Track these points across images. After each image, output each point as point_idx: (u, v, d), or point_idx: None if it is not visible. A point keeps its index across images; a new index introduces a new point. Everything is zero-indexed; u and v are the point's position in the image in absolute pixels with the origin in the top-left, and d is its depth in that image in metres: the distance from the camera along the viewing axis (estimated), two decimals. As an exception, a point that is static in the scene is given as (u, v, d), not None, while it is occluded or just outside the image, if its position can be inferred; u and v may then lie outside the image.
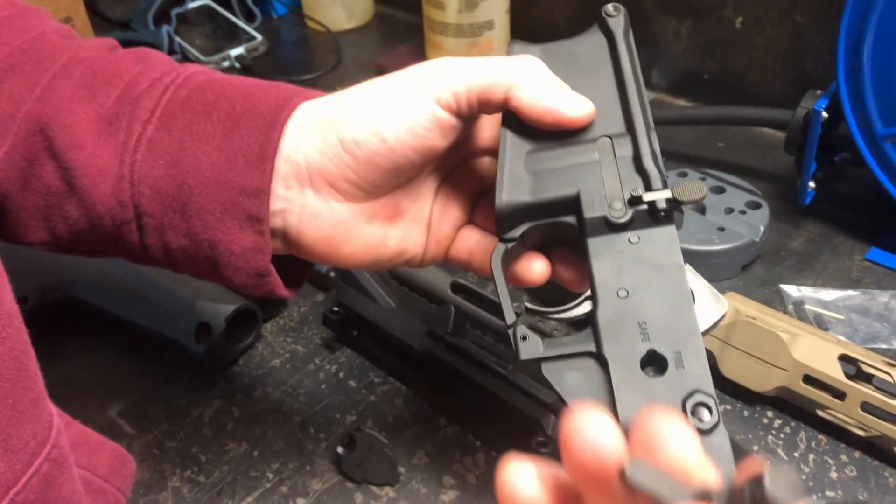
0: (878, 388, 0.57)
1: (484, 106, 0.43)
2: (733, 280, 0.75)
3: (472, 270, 0.49)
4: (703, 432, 0.33)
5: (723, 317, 0.42)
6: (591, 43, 0.46)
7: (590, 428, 0.24)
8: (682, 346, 0.36)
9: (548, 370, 0.38)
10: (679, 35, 0.99)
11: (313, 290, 0.77)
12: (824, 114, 0.73)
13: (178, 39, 1.20)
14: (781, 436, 0.61)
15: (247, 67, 1.17)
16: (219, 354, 0.68)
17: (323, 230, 0.45)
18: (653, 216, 0.40)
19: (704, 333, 0.38)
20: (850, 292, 0.72)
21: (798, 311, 0.70)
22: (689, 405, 0.34)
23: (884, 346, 0.67)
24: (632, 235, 0.40)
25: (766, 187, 0.83)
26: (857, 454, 0.59)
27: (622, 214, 0.40)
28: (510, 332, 0.39)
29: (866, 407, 0.57)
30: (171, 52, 1.19)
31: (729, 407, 0.63)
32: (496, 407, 0.59)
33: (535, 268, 0.44)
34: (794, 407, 0.62)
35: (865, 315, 0.70)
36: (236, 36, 1.25)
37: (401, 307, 0.67)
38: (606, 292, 0.38)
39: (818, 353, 0.59)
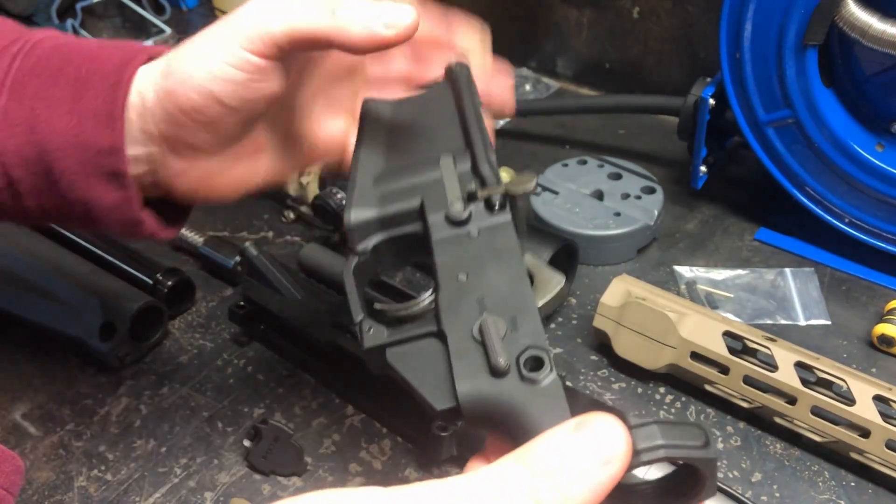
0: (760, 362, 0.61)
1: (307, 50, 0.45)
2: (630, 263, 0.78)
3: None
4: (537, 381, 0.35)
5: (560, 290, 0.43)
6: (438, 91, 0.50)
7: None
8: (517, 312, 0.38)
9: (392, 355, 0.39)
10: (580, 25, 1.02)
11: (221, 284, 0.77)
12: (711, 101, 0.76)
13: (83, 33, 1.18)
14: (673, 410, 0.64)
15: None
16: (124, 353, 0.68)
17: (192, 182, 0.48)
18: (489, 209, 0.42)
19: (543, 306, 0.39)
20: (739, 271, 0.76)
21: (690, 290, 0.73)
22: (522, 359, 0.36)
23: (769, 322, 0.71)
24: (472, 229, 0.42)
25: (662, 172, 0.86)
26: (741, 425, 0.63)
27: (461, 210, 0.42)
28: (357, 327, 0.40)
29: (748, 380, 0.60)
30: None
31: (624, 385, 0.66)
32: (401, 394, 0.60)
33: None
34: (684, 382, 0.65)
35: (753, 293, 0.74)
36: (145, 29, 1.23)
37: (307, 299, 0.68)
38: (447, 279, 0.40)
39: (704, 331, 0.62)
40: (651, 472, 0.37)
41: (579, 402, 0.33)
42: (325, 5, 0.43)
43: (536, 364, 0.36)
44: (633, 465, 0.29)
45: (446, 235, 0.42)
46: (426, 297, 0.41)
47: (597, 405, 0.31)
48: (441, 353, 0.37)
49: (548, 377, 0.35)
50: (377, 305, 0.41)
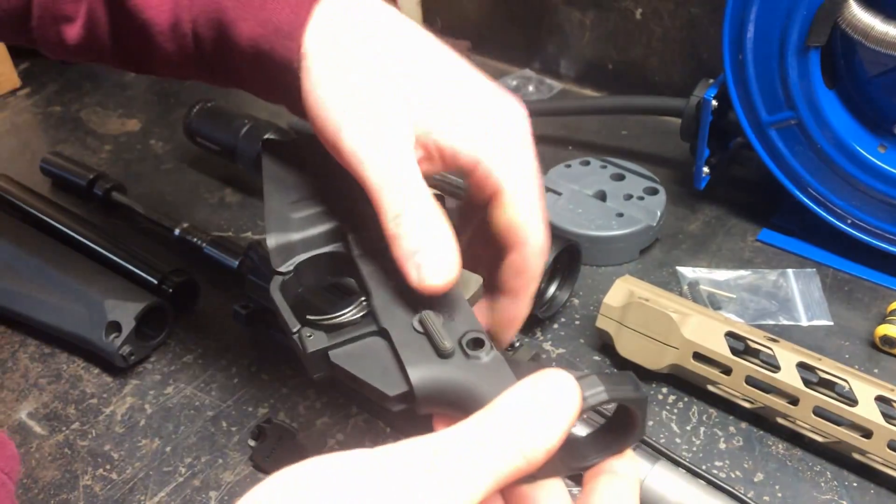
0: (762, 363, 0.61)
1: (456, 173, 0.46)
2: (632, 263, 0.78)
3: None
4: (480, 358, 0.39)
5: (480, 288, 0.47)
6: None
7: None
8: (449, 307, 0.42)
9: (336, 356, 0.41)
10: (583, 26, 1.02)
11: (225, 284, 0.77)
12: (714, 102, 0.76)
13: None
14: (675, 411, 0.64)
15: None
16: (129, 352, 0.68)
17: None
18: None
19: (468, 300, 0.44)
20: (742, 272, 0.76)
21: (693, 291, 0.73)
22: (464, 342, 0.40)
23: (771, 323, 0.71)
24: None
25: (665, 173, 0.87)
26: (743, 425, 0.63)
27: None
28: (295, 336, 0.42)
29: (750, 380, 0.61)
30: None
31: (626, 385, 0.66)
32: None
33: None
34: (687, 383, 0.65)
35: (755, 293, 0.74)
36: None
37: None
38: (377, 285, 0.44)
39: (706, 332, 0.62)
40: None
41: (522, 369, 0.37)
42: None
43: (477, 344, 0.40)
44: (582, 410, 0.33)
45: (367, 249, 0.46)
46: (356, 304, 0.44)
47: (538, 367, 0.34)
48: (384, 348, 0.41)
49: (490, 353, 0.39)
50: (310, 317, 0.44)
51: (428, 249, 0.41)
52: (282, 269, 0.46)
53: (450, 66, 0.45)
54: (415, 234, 0.41)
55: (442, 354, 0.39)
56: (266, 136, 0.53)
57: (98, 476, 0.61)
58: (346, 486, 0.29)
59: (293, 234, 0.47)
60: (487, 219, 0.45)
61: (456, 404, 0.38)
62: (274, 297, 0.45)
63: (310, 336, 0.42)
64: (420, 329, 0.41)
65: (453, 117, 0.43)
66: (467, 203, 0.48)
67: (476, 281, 0.47)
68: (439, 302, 0.42)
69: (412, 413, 0.40)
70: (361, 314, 0.44)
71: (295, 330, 0.43)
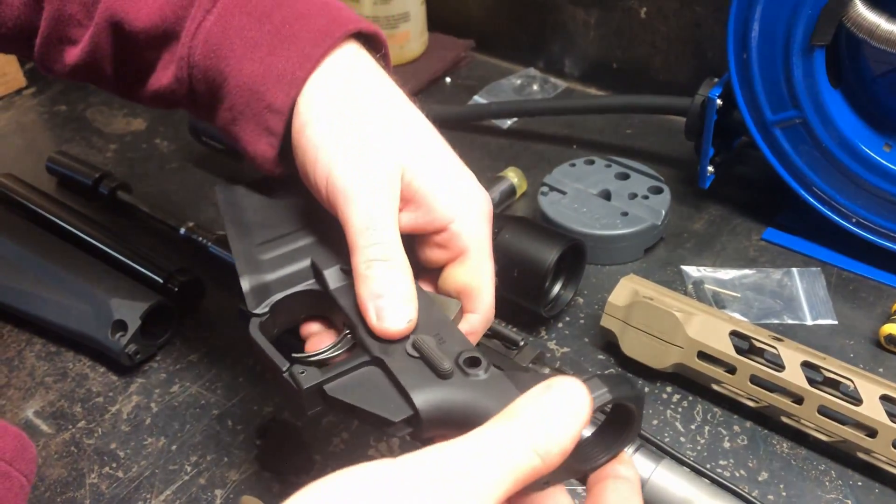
0: (767, 362, 0.61)
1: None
2: (637, 262, 0.78)
3: None
4: (479, 376, 0.40)
5: (459, 311, 0.48)
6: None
7: None
8: (438, 330, 0.43)
9: (333, 389, 0.41)
10: (588, 25, 1.02)
11: (230, 283, 0.77)
12: (719, 101, 0.76)
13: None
14: (680, 410, 0.64)
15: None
16: (135, 351, 0.68)
17: None
18: None
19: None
20: (747, 271, 0.76)
21: (697, 290, 0.73)
22: (461, 361, 0.40)
23: (776, 321, 0.71)
24: None
25: (669, 172, 0.86)
26: (748, 424, 0.63)
27: None
28: (286, 375, 0.42)
29: (755, 379, 0.61)
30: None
31: (631, 384, 0.66)
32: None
33: None
34: (691, 382, 0.65)
35: (760, 292, 0.74)
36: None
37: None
38: (359, 317, 0.44)
39: (711, 331, 0.62)
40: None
41: (522, 381, 0.38)
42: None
43: (474, 362, 0.40)
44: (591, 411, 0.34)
45: (343, 284, 0.47)
46: (340, 338, 0.45)
47: (538, 378, 0.35)
48: (381, 376, 0.41)
49: (488, 370, 0.40)
50: (295, 355, 0.45)
51: (390, 297, 0.44)
52: (258, 310, 0.47)
53: (434, 137, 0.50)
54: (381, 281, 0.44)
55: (442, 376, 0.40)
56: (218, 185, 0.54)
57: (104, 474, 0.62)
58: (375, 500, 0.30)
59: (266, 274, 0.48)
60: (444, 273, 0.49)
61: (460, 424, 0.38)
62: (256, 339, 0.45)
63: (302, 373, 0.42)
64: (415, 354, 0.42)
65: (435, 178, 0.47)
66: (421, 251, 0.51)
67: (455, 304, 0.48)
68: (426, 326, 0.43)
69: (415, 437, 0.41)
70: (347, 347, 0.44)
71: (285, 368, 0.43)
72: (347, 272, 0.47)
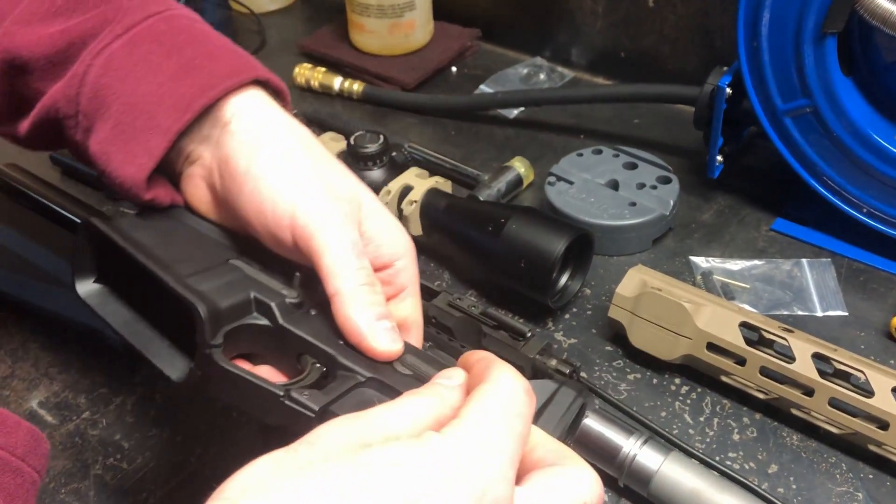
0: (776, 353, 0.60)
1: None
2: (645, 253, 0.77)
3: None
4: None
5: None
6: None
7: None
8: (411, 350, 0.45)
9: (341, 409, 0.41)
10: (595, 14, 1.01)
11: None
12: (728, 90, 0.75)
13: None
14: (688, 401, 0.64)
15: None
16: (140, 342, 0.68)
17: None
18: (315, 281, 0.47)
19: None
20: (756, 262, 0.75)
21: (706, 281, 0.73)
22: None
23: (786, 313, 0.70)
24: (311, 307, 0.47)
25: (678, 162, 0.86)
26: (757, 416, 0.63)
27: (296, 295, 0.47)
28: (285, 401, 0.41)
29: (765, 371, 0.60)
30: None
31: (639, 375, 0.66)
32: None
33: None
34: (700, 373, 0.65)
35: (769, 283, 0.73)
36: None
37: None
38: (328, 343, 0.44)
39: (720, 322, 0.62)
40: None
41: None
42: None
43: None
44: None
45: (295, 317, 0.46)
46: (308, 367, 0.44)
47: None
48: (377, 396, 0.42)
49: None
50: (279, 382, 0.44)
51: (387, 319, 0.45)
52: (214, 342, 0.44)
53: (365, 187, 0.52)
54: (375, 304, 0.46)
55: None
56: (91, 219, 0.50)
57: (109, 465, 0.61)
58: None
59: (219, 302, 0.45)
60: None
61: None
62: (232, 370, 0.43)
63: (306, 395, 0.41)
64: (407, 371, 0.44)
65: (382, 218, 0.51)
66: None
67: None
68: (408, 348, 0.45)
69: None
70: (319, 374, 0.44)
71: (282, 393, 0.41)
72: (297, 305, 0.46)
